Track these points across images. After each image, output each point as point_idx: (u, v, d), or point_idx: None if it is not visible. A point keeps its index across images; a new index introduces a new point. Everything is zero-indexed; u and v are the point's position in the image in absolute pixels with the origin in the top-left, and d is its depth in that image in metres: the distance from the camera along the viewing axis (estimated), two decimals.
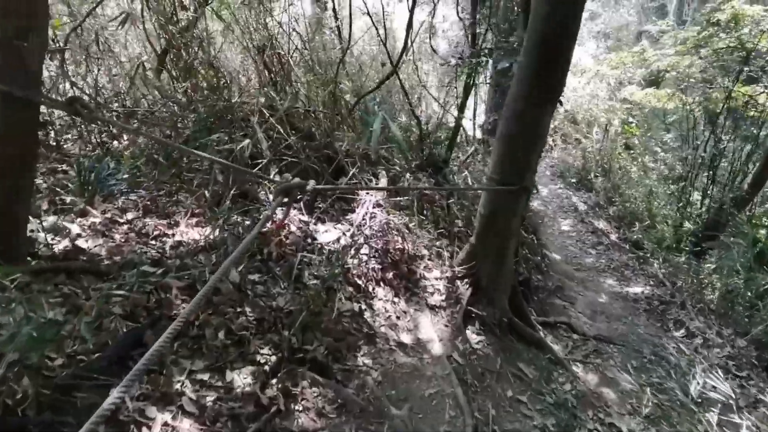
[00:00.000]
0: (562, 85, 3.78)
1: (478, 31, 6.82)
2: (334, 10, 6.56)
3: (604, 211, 10.36)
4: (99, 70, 5.04)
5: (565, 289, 6.14)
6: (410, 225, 4.83)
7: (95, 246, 3.07)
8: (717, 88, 10.16)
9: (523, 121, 3.69)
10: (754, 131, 9.26)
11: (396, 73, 5.72)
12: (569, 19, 3.41)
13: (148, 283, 2.74)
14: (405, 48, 5.77)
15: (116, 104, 5.06)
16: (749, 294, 6.38)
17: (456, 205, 5.68)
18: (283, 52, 5.59)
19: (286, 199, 1.94)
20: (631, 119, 13.57)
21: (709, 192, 9.17)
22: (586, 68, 13.15)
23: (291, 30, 5.75)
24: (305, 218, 4.16)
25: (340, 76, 5.97)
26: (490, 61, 6.43)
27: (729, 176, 8.97)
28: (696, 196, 9.52)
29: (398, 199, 5.13)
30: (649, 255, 8.13)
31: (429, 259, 4.57)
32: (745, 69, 9.43)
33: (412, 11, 5.57)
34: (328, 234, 4.04)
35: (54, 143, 4.37)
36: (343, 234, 4.08)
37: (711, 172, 9.22)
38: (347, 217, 4.44)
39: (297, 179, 1.98)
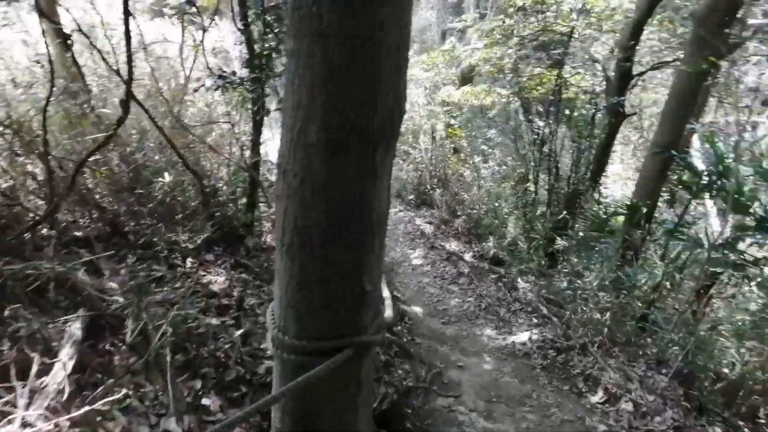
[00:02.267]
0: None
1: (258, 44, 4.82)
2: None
3: (451, 226, 9.06)
4: None
5: (443, 364, 4.42)
6: None
7: None
8: (527, 75, 9.47)
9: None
10: (569, 113, 8.61)
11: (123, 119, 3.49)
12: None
13: None
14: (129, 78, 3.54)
15: None
16: (637, 304, 5.29)
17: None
18: None
19: None
20: (453, 121, 12.70)
21: (554, 186, 8.29)
22: None
23: None
24: None
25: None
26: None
27: (571, 166, 8.15)
28: (543, 193, 8.62)
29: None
30: (512, 274, 6.88)
31: None
32: (554, 52, 8.76)
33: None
34: None
35: None
36: None
37: (551, 165, 8.35)
38: None
39: None
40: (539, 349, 4.71)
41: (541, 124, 8.64)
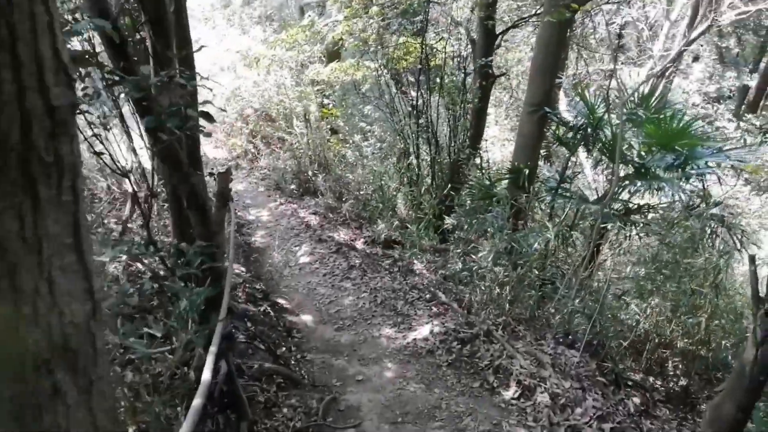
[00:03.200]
0: None
1: None
2: None
3: (338, 213, 8.44)
4: None
5: (339, 382, 3.82)
6: None
7: None
8: (393, 45, 8.99)
9: None
10: (439, 81, 8.25)
11: None
12: None
13: None
14: None
15: None
16: (534, 272, 5.03)
17: None
18: None
19: None
20: (326, 101, 11.97)
21: (436, 158, 7.92)
22: (261, 55, 10.96)
23: None
24: None
25: None
26: None
27: (450, 135, 7.81)
28: (426, 167, 8.23)
29: None
30: (406, 257, 6.43)
31: None
32: (415, 20, 8.33)
33: None
34: None
35: None
36: None
37: (429, 137, 7.96)
38: None
39: None
40: (442, 344, 4.26)
41: (414, 95, 8.22)
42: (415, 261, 6.29)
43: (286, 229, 7.62)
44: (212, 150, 10.78)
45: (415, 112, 7.84)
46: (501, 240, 5.16)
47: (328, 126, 11.44)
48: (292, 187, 9.32)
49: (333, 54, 12.75)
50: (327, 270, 6.14)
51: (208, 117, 2.20)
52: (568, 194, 6.30)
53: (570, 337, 4.52)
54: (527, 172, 6.38)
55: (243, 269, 5.89)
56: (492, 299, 4.74)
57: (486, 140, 9.58)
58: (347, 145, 11.17)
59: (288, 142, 10.55)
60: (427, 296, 5.13)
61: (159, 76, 2.13)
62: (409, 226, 7.43)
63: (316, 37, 11.39)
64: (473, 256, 5.42)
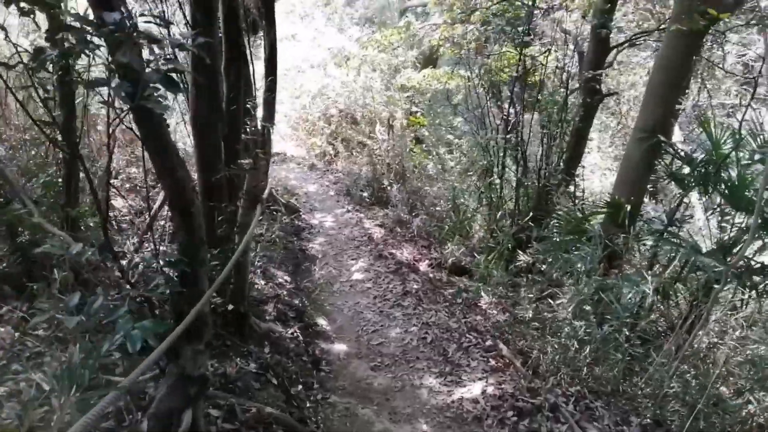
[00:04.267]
0: None
1: None
2: None
3: (408, 228, 7.71)
4: None
5: None
6: None
7: None
8: (493, 54, 8.13)
9: None
10: (538, 96, 7.22)
11: None
12: None
13: None
14: None
15: None
16: (625, 333, 3.98)
17: None
18: None
19: None
20: (414, 108, 11.33)
21: (522, 179, 6.95)
22: (351, 54, 10.53)
23: None
24: None
25: None
26: None
27: (541, 156, 6.81)
28: (508, 190, 7.29)
29: None
30: (472, 287, 5.54)
31: None
32: (520, 28, 7.40)
33: None
34: None
35: None
36: None
37: (518, 155, 7.00)
38: None
39: None
40: (495, 411, 3.37)
41: (507, 109, 7.31)
42: (483, 294, 5.41)
43: (348, 239, 6.99)
44: (293, 148, 10.47)
45: (504, 125, 6.94)
46: (588, 286, 4.18)
47: (413, 135, 10.78)
48: (364, 194, 8.72)
49: (428, 60, 12.08)
50: (379, 292, 5.41)
51: (172, 83, 1.56)
52: (676, 241, 5.16)
53: (662, 427, 3.48)
54: (629, 208, 5.34)
55: (287, 279, 5.31)
56: (566, 361, 3.78)
57: (583, 167, 8.47)
58: (430, 157, 10.45)
59: (369, 147, 9.99)
60: (487, 343, 4.25)
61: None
62: (478, 255, 6.55)
63: (412, 41, 10.78)
64: (551, 302, 4.45)
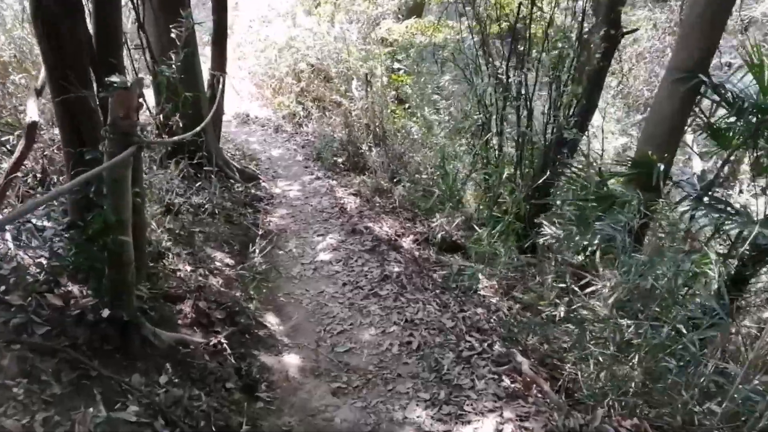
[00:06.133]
0: None
1: None
2: None
3: (388, 198, 6.40)
4: None
5: None
6: None
7: None
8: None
9: None
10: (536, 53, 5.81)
11: None
12: None
13: None
14: None
15: None
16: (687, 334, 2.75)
17: None
18: None
19: None
20: (396, 64, 9.88)
21: (526, 137, 5.61)
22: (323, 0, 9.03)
23: None
24: None
25: None
26: None
27: (548, 110, 5.46)
28: (509, 149, 5.98)
29: None
30: (467, 271, 4.26)
31: None
32: None
33: None
34: None
35: None
36: None
37: (520, 108, 5.65)
38: None
39: None
40: None
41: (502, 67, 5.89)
42: (482, 278, 4.14)
43: (315, 210, 5.65)
44: (258, 108, 9.01)
45: (504, 70, 5.59)
46: (634, 272, 2.92)
47: (395, 94, 9.37)
48: (339, 159, 7.35)
49: (414, 9, 10.60)
50: (351, 277, 4.11)
51: None
52: (725, 208, 3.95)
53: None
54: (662, 167, 4.11)
55: (229, 262, 3.99)
56: (614, 381, 2.53)
57: (592, 125, 7.22)
58: (414, 119, 9.08)
59: (344, 107, 8.57)
60: (496, 351, 2.97)
61: None
62: (476, 227, 5.29)
63: None
64: (579, 294, 3.18)
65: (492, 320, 3.41)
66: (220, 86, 5.90)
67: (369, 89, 8.17)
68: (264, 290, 3.83)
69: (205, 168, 5.24)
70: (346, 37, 9.04)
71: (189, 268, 3.48)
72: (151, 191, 4.11)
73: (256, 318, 3.31)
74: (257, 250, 3.97)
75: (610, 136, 10.15)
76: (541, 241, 3.69)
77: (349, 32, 9.26)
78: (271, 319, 3.53)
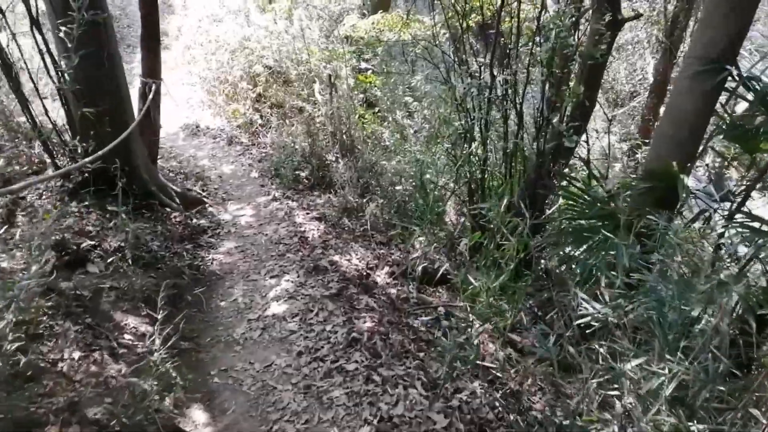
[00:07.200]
0: None
1: None
2: None
3: (358, 219, 5.45)
4: None
5: None
6: None
7: None
8: None
9: None
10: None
11: None
12: None
13: None
14: None
15: None
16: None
17: None
18: None
19: None
20: (363, 64, 8.95)
21: (517, 143, 4.71)
22: None
23: None
24: None
25: None
26: None
27: (542, 108, 4.57)
28: (494, 157, 5.06)
29: None
30: (463, 321, 3.33)
31: None
32: None
33: None
34: None
35: None
36: None
37: (507, 107, 4.74)
38: None
39: None
40: None
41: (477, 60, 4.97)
42: (479, 324, 3.22)
43: (270, 242, 4.66)
44: (210, 118, 7.95)
45: (488, 67, 4.68)
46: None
47: (363, 97, 8.42)
48: (303, 174, 6.36)
49: (379, 4, 9.67)
50: (309, 341, 3.15)
51: None
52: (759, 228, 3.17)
53: None
54: (684, 179, 3.33)
55: (146, 329, 2.98)
56: None
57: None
58: (386, 123, 8.16)
59: (307, 113, 7.58)
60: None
61: None
62: (461, 248, 4.39)
63: None
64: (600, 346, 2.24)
65: (498, 407, 2.49)
66: (151, 95, 4.88)
67: (334, 92, 7.20)
68: (192, 368, 2.84)
69: (134, 198, 4.20)
70: (307, 36, 8.05)
71: (78, 355, 2.47)
72: (42, 236, 3.09)
73: (168, 422, 2.33)
74: (222, 304, 2.96)
75: (594, 134, 9.39)
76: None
77: (309, 30, 8.27)
78: (197, 416, 2.55)
